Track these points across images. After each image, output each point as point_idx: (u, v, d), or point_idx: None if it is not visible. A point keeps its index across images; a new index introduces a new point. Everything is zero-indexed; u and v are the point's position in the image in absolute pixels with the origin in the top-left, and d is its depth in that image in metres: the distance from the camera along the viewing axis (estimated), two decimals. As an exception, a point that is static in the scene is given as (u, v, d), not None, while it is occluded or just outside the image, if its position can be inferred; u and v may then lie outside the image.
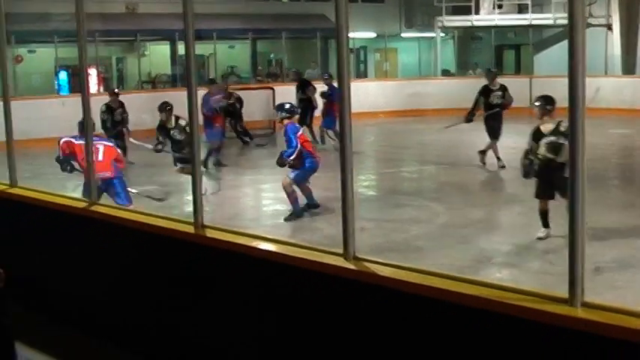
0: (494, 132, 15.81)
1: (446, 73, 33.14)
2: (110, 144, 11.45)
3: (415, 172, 16.86)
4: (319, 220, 11.56)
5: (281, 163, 11.79)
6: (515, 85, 27.30)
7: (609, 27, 30.67)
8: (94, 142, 10.83)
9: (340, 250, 4.52)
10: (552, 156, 9.71)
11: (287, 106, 12.45)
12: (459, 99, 28.56)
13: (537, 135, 9.95)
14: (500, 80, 16.53)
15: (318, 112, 20.50)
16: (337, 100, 4.50)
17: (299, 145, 11.76)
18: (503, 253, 9.94)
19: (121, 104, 17.98)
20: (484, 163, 15.91)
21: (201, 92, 19.38)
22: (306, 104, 20.33)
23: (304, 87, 21.11)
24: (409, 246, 10.07)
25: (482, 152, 16.03)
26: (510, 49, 36.17)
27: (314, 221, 11.64)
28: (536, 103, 10.10)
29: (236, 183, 15.57)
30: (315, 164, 11.98)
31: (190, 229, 5.52)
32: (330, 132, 19.27)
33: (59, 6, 15.27)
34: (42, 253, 7.21)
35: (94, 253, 6.56)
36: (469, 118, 16.27)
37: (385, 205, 13.10)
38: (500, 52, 35.40)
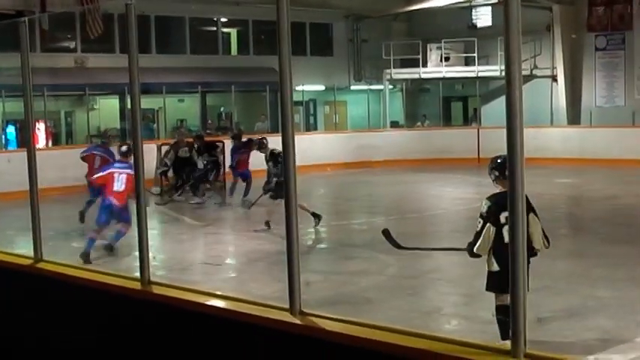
0: None
1: (395, 124, 33.51)
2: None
3: (364, 224, 16.87)
4: (272, 272, 11.49)
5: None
6: (464, 136, 27.94)
7: (554, 78, 31.28)
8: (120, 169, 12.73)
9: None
10: None
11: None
12: (407, 150, 28.99)
13: None
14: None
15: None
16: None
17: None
18: (452, 304, 10.01)
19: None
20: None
21: (149, 146, 19.49)
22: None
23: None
24: (358, 298, 10.06)
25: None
26: (458, 101, 36.66)
27: (267, 273, 11.61)
28: None
29: (186, 237, 15.49)
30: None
31: (137, 286, 5.48)
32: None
33: (6, 60, 15.17)
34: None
35: (40, 309, 6.47)
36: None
37: (334, 258, 13.11)
38: (448, 104, 35.86)
